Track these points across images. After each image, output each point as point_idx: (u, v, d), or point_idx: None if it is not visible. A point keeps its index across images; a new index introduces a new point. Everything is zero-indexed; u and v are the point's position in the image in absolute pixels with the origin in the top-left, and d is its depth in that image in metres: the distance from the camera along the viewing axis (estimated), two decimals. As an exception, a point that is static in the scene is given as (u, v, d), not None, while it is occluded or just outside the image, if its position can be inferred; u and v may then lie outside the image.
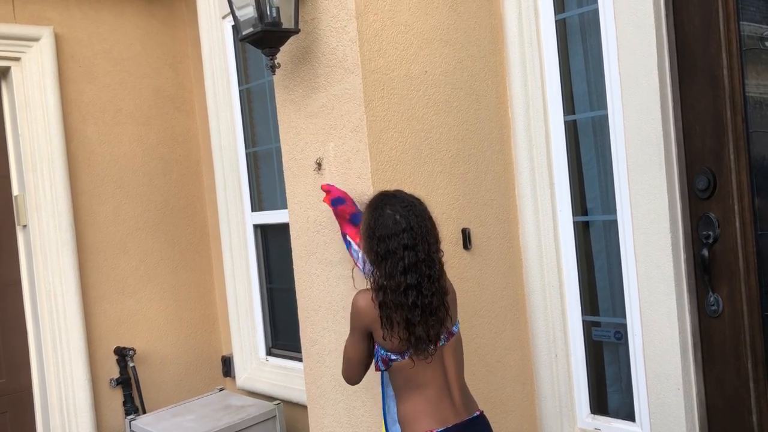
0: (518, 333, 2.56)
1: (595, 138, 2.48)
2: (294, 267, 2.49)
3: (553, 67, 2.49)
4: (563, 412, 2.51)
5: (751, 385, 2.11)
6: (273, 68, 2.24)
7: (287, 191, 2.47)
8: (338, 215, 2.15)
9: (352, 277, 2.14)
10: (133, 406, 3.69)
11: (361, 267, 2.03)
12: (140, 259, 3.83)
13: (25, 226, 3.54)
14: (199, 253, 4.05)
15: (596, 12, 2.36)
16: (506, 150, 2.56)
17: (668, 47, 2.17)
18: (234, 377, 3.92)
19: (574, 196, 2.51)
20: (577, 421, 2.52)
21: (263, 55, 2.24)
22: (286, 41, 2.24)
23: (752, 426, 2.12)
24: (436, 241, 1.84)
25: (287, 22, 2.18)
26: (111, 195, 3.74)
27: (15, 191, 3.58)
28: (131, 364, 3.68)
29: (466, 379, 1.96)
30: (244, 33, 2.19)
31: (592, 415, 2.51)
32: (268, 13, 2.11)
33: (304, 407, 2.96)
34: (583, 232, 2.53)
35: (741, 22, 2.06)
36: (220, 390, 3.69)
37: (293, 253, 2.49)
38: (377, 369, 1.90)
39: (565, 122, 2.50)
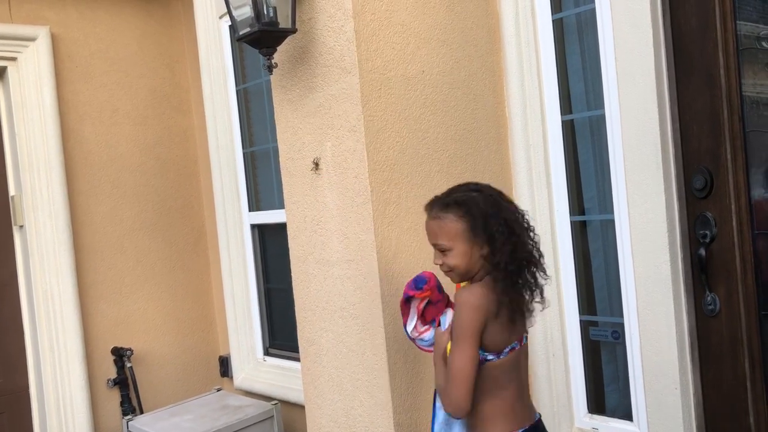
0: (516, 333, 2.55)
1: (592, 137, 2.49)
2: (291, 267, 2.49)
3: (550, 66, 2.50)
4: (561, 411, 2.51)
5: (748, 385, 2.11)
6: (270, 68, 2.24)
7: (284, 191, 2.47)
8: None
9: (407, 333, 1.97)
10: (131, 406, 3.68)
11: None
12: (137, 260, 3.82)
13: (21, 226, 3.54)
14: (196, 253, 4.05)
15: (593, 12, 2.36)
16: (503, 150, 2.56)
17: (665, 47, 2.17)
18: (231, 377, 3.92)
19: (572, 195, 2.51)
20: (574, 421, 2.52)
21: (260, 55, 2.24)
22: (283, 41, 2.23)
23: (749, 426, 2.12)
24: None
25: (284, 22, 2.17)
26: (108, 195, 3.73)
27: (11, 191, 3.57)
28: (128, 365, 3.67)
29: None
30: (241, 33, 2.18)
31: (590, 414, 2.51)
32: (265, 12, 2.11)
33: (301, 407, 2.95)
34: (580, 231, 2.53)
35: (738, 22, 2.07)
36: (218, 390, 3.69)
37: (290, 253, 2.48)
38: None
39: (563, 122, 2.50)
